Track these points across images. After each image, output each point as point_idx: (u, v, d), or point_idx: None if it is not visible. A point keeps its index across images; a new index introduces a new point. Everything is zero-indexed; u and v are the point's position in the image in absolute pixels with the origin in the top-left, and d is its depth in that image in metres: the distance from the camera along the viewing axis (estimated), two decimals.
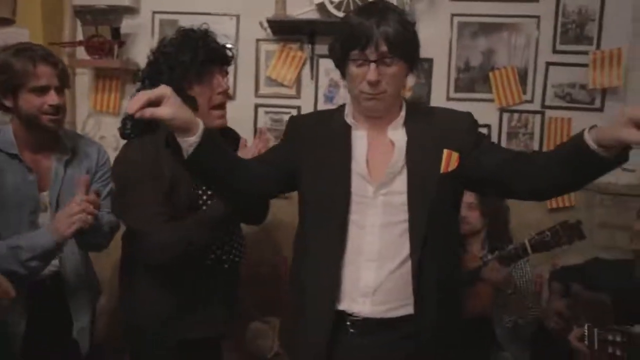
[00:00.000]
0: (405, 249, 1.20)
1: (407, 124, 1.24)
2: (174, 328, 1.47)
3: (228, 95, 1.54)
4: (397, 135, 1.23)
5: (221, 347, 1.72)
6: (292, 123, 1.37)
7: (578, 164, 1.05)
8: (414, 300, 1.20)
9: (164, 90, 1.04)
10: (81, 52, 2.31)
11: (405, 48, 1.16)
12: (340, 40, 1.19)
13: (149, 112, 1.02)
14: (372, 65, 1.14)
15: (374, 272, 1.20)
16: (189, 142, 1.08)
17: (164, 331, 1.46)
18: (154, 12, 2.39)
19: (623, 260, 1.84)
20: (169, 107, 1.04)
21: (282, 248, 2.41)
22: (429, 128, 1.24)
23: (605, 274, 1.78)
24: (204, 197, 1.47)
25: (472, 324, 1.90)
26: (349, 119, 1.26)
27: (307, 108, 2.39)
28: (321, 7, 2.23)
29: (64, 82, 1.49)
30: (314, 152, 1.26)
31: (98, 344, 1.70)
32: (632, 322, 1.48)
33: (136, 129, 1.50)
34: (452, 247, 1.34)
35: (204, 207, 1.46)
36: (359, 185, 1.22)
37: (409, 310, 1.21)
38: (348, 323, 1.23)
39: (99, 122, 2.43)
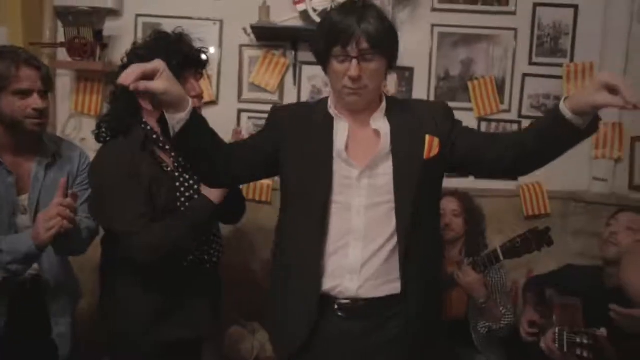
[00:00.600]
0: (390, 228, 1.25)
1: (388, 114, 1.29)
2: (156, 330, 1.46)
3: (202, 98, 1.55)
4: (380, 124, 1.28)
5: (201, 350, 1.72)
6: (275, 112, 1.39)
7: (553, 134, 1.13)
8: (401, 277, 1.25)
9: (157, 64, 1.06)
10: (62, 54, 2.29)
11: (386, 45, 1.20)
12: (322, 37, 1.22)
13: (143, 85, 1.04)
14: (354, 62, 1.18)
15: (361, 250, 1.24)
16: (177, 119, 1.11)
17: (146, 333, 1.46)
18: (137, 15, 2.39)
19: (594, 267, 1.90)
20: (162, 81, 1.06)
21: (263, 253, 2.42)
22: (409, 117, 1.29)
23: (577, 280, 1.83)
24: (182, 199, 1.48)
25: (448, 327, 1.96)
26: (331, 111, 1.30)
27: None
28: (304, 15, 2.26)
29: (48, 85, 1.48)
30: (297, 140, 1.29)
31: (76, 345, 1.67)
32: (601, 325, 1.53)
33: (111, 131, 1.51)
34: (435, 229, 1.40)
35: (182, 209, 1.47)
36: (341, 168, 1.26)
37: (394, 289, 1.26)
38: (336, 307, 1.26)
39: (79, 124, 2.41)
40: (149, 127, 1.47)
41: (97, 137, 1.54)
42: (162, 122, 1.14)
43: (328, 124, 1.29)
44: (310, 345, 1.27)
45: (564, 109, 1.09)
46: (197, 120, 1.15)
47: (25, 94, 1.41)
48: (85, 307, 1.95)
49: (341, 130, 1.28)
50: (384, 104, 1.30)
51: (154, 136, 1.47)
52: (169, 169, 1.49)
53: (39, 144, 1.53)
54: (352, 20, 1.17)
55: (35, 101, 1.42)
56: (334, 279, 1.26)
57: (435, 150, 1.26)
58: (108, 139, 1.51)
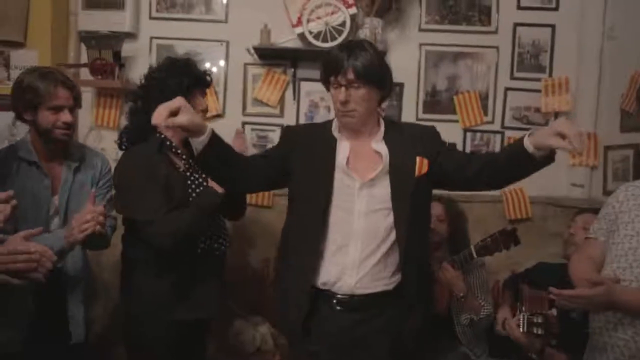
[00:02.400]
0: (384, 231, 1.46)
1: (386, 137, 1.51)
2: (170, 311, 1.67)
3: (207, 112, 1.81)
4: (380, 147, 1.49)
5: (208, 332, 1.93)
6: (287, 131, 1.63)
7: (518, 162, 1.38)
8: (401, 268, 1.48)
9: (179, 102, 1.30)
10: (85, 73, 2.52)
11: (371, 76, 1.43)
12: (323, 68, 1.49)
13: (171, 121, 1.28)
14: (342, 89, 1.44)
15: (360, 249, 1.46)
16: (198, 141, 1.35)
17: (160, 313, 1.67)
18: (152, 38, 2.62)
19: (562, 264, 2.07)
20: (185, 115, 1.30)
21: (265, 252, 2.62)
22: (403, 140, 1.53)
23: (546, 275, 2.01)
24: (193, 195, 1.71)
25: (433, 321, 2.14)
26: (335, 133, 1.52)
27: None
28: (302, 37, 2.47)
29: (77, 102, 1.72)
30: (305, 156, 1.51)
31: (95, 339, 1.88)
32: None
33: (131, 140, 1.77)
34: (425, 232, 1.63)
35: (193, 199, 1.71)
36: (342, 179, 1.47)
37: (386, 285, 1.48)
38: (335, 301, 1.47)
39: (99, 136, 2.64)
40: (163, 136, 1.72)
41: (120, 145, 1.80)
42: (187, 145, 1.43)
43: (332, 142, 1.52)
44: (311, 333, 1.49)
45: (528, 143, 1.33)
46: (216, 140, 1.40)
47: (58, 109, 1.64)
48: (105, 303, 2.15)
49: (343, 148, 1.50)
50: (382, 129, 1.53)
51: (168, 142, 1.71)
52: (181, 169, 1.73)
53: (67, 151, 1.75)
54: (343, 55, 1.43)
55: (65, 116, 1.65)
56: (335, 274, 1.46)
57: (424, 169, 1.50)
58: (129, 146, 1.77)
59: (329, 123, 1.57)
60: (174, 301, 1.68)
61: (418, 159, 1.49)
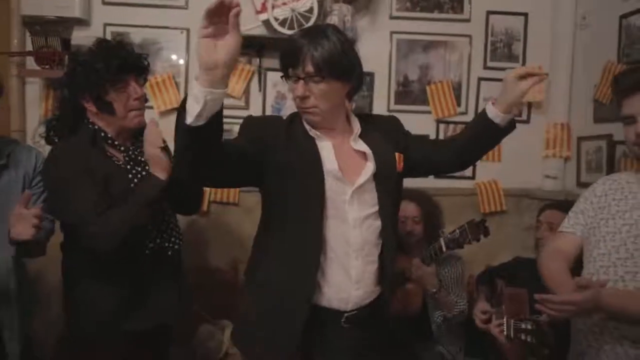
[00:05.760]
0: (376, 237, 1.36)
1: (362, 135, 1.38)
2: (122, 321, 1.52)
3: (144, 101, 1.59)
4: (361, 145, 1.36)
5: (172, 335, 1.76)
6: (250, 123, 1.38)
7: (486, 136, 1.40)
8: (381, 282, 1.38)
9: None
10: (31, 62, 2.33)
11: (334, 68, 1.25)
12: (281, 58, 1.31)
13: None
14: (300, 82, 1.27)
15: (362, 260, 1.33)
16: (219, 93, 1.02)
17: (112, 325, 1.51)
18: (106, 24, 2.44)
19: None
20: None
21: (231, 253, 2.50)
22: (378, 136, 1.40)
23: (524, 271, 1.94)
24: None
25: (409, 322, 2.06)
26: (312, 132, 1.34)
27: None
28: (267, 24, 2.34)
29: None
30: (281, 156, 1.29)
31: (28, 347, 1.64)
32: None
33: (58, 133, 1.58)
34: (396, 234, 1.53)
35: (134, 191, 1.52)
36: (334, 185, 1.30)
37: (373, 294, 1.38)
38: (342, 319, 1.33)
39: None
40: (96, 127, 1.55)
41: (47, 139, 1.59)
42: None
43: (311, 142, 1.33)
44: (313, 353, 1.35)
45: (494, 114, 1.33)
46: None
47: None
48: (44, 319, 1.96)
49: (326, 149, 1.32)
50: (357, 125, 1.38)
51: (102, 134, 1.55)
52: (120, 162, 1.56)
53: None
54: (303, 44, 1.24)
55: None
56: (338, 289, 1.31)
57: (401, 165, 1.40)
58: (56, 139, 1.58)
59: (296, 117, 1.36)
60: (124, 310, 1.52)
61: (397, 155, 1.38)
